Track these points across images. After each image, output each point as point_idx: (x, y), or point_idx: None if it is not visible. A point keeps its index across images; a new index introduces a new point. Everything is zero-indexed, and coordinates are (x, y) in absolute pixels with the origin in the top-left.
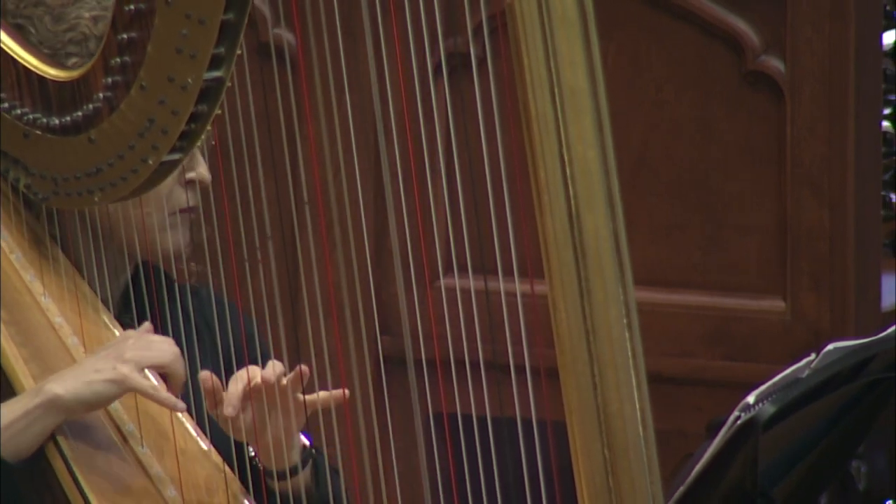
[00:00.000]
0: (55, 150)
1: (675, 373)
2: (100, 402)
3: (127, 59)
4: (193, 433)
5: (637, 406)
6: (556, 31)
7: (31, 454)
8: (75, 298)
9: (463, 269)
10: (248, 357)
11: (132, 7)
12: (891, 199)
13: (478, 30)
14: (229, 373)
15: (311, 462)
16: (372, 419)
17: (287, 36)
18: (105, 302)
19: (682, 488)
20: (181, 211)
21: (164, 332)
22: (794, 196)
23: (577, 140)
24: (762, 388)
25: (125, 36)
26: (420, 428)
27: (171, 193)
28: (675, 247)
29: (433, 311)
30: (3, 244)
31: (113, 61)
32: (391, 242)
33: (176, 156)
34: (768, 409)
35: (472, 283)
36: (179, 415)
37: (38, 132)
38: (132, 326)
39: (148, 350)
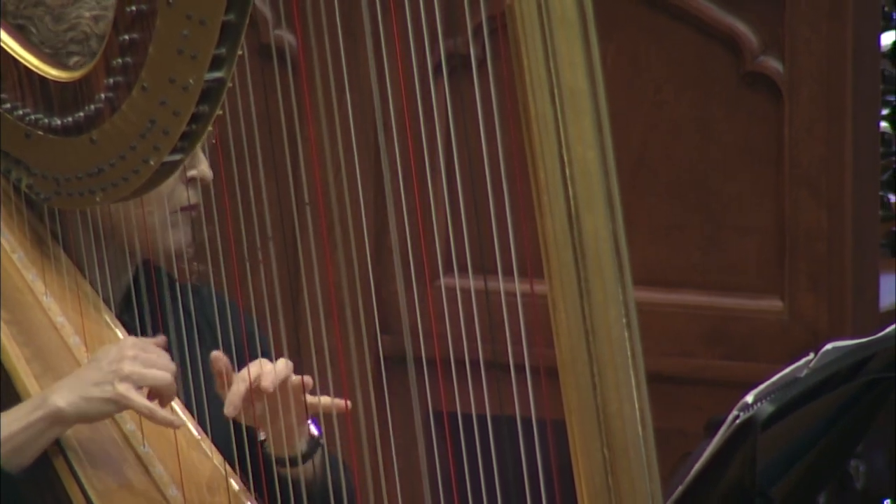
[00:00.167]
0: (57, 151)
1: (675, 372)
2: (99, 417)
3: (128, 59)
4: (195, 432)
5: (636, 406)
6: (555, 31)
7: (32, 462)
8: (77, 298)
9: (463, 269)
10: (249, 356)
11: (133, 8)
12: (889, 199)
13: (477, 31)
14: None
15: (319, 450)
16: (372, 418)
17: (288, 37)
18: (107, 301)
19: (680, 487)
20: (183, 209)
21: (165, 332)
22: (793, 196)
23: (576, 140)
24: (761, 387)
25: (127, 37)
26: (420, 426)
27: (173, 192)
28: (674, 247)
29: (433, 311)
30: (5, 244)
31: (114, 62)
32: (391, 242)
33: (177, 156)
34: (767, 408)
35: (472, 282)
36: (180, 414)
37: (40, 132)
38: (133, 326)
39: (147, 369)
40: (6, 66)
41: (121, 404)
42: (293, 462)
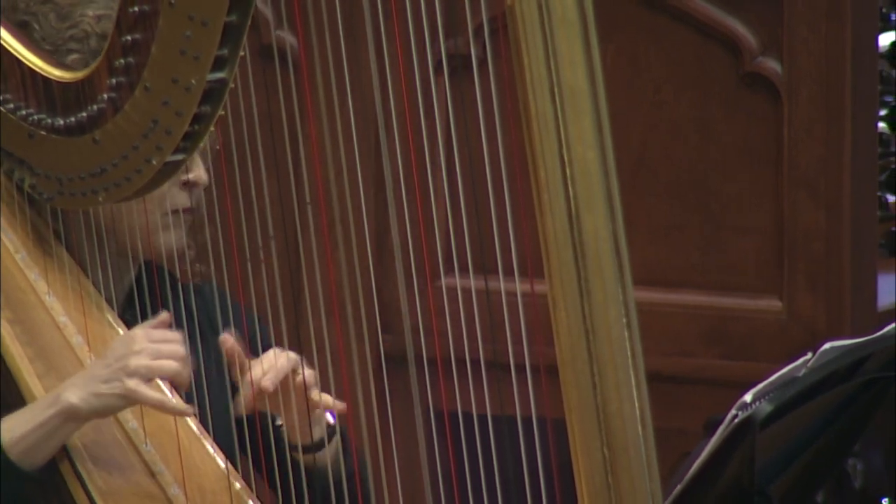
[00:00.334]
0: (60, 151)
1: (674, 372)
2: (110, 413)
3: (131, 60)
4: (196, 431)
5: (636, 405)
6: (556, 31)
7: (46, 462)
8: (79, 297)
9: (464, 269)
10: (252, 355)
11: (136, 9)
12: (887, 199)
13: (478, 31)
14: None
15: (335, 438)
16: (373, 417)
17: (289, 38)
18: (109, 301)
19: (679, 486)
20: (175, 211)
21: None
22: (791, 197)
23: (576, 140)
24: (759, 386)
25: (129, 37)
26: (421, 426)
27: (168, 194)
28: (673, 247)
29: (434, 310)
30: (8, 243)
31: (117, 63)
32: (392, 241)
33: (179, 156)
34: (765, 407)
35: (473, 282)
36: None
37: (43, 133)
38: (136, 325)
39: (154, 361)
40: (9, 66)
41: (131, 399)
42: (308, 449)
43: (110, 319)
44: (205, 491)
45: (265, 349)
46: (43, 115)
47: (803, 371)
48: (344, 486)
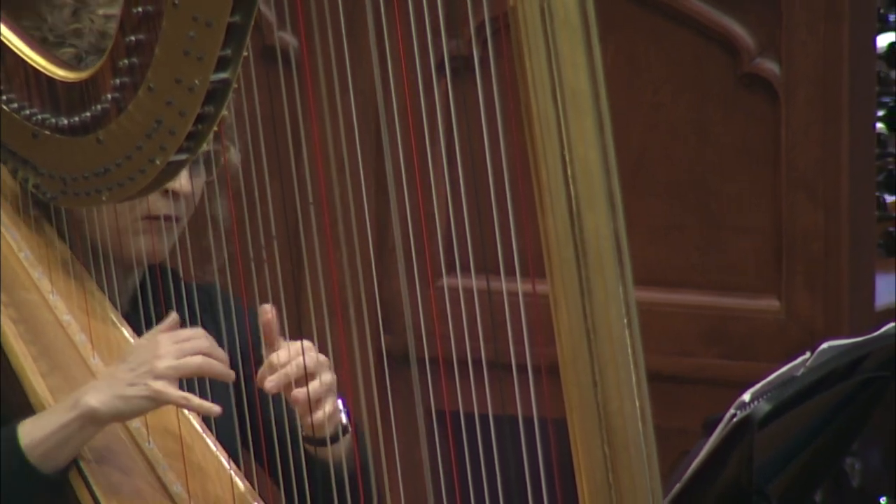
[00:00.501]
0: (63, 151)
1: (673, 371)
2: (135, 416)
3: (135, 60)
4: (199, 429)
5: (637, 404)
6: (557, 33)
7: (67, 465)
8: (83, 296)
9: (465, 269)
10: (255, 355)
11: (140, 9)
12: (884, 199)
13: (479, 32)
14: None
15: (349, 433)
16: (375, 416)
17: (290, 39)
18: (113, 300)
19: (678, 485)
20: (151, 217)
21: None
22: (790, 197)
23: (578, 141)
24: (758, 386)
25: (133, 38)
26: (422, 425)
27: (143, 199)
28: (672, 247)
29: (436, 310)
30: (12, 242)
31: (121, 63)
32: (394, 241)
33: (183, 156)
34: (764, 406)
35: (475, 282)
36: (186, 412)
37: (47, 132)
38: (139, 324)
39: (181, 360)
40: (14, 66)
41: (158, 400)
42: (321, 443)
43: (113, 318)
44: (207, 488)
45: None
46: (47, 115)
47: (802, 370)
48: (346, 483)
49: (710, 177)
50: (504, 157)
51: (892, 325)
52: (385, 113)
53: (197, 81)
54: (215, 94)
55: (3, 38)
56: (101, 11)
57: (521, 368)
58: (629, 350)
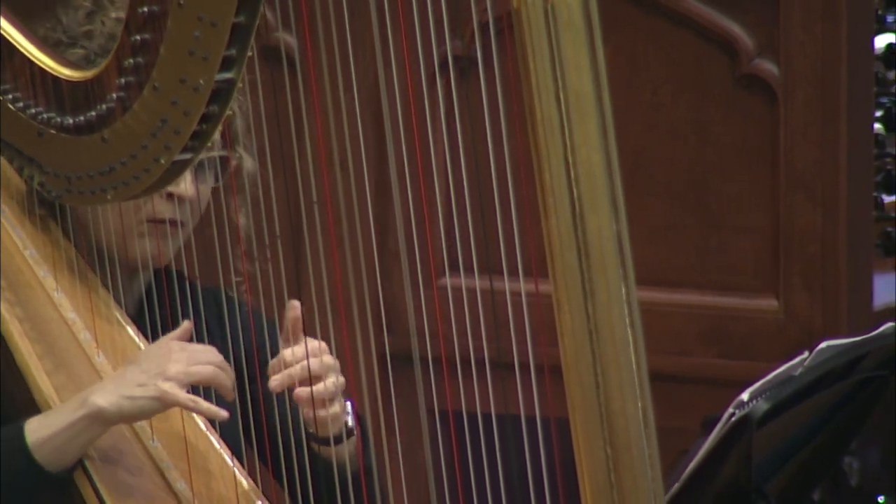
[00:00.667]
0: (69, 149)
1: (672, 371)
2: (142, 417)
3: (140, 60)
4: (203, 427)
5: (639, 404)
6: (561, 36)
7: (74, 464)
8: (87, 294)
9: (469, 269)
10: (259, 358)
11: (145, 9)
12: (882, 200)
13: (482, 32)
14: (240, 374)
15: (356, 433)
16: (378, 416)
17: (290, 40)
18: (118, 302)
19: (677, 484)
20: (150, 220)
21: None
22: (788, 198)
23: (581, 143)
24: (756, 385)
25: (138, 37)
26: (425, 425)
27: (147, 202)
28: (671, 247)
29: (439, 310)
30: (17, 241)
31: (126, 62)
32: (394, 242)
33: (187, 155)
34: (762, 406)
35: (478, 282)
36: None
37: (53, 131)
38: (144, 324)
39: (192, 367)
40: (20, 65)
41: (166, 401)
42: (325, 441)
43: (118, 317)
44: (211, 486)
45: (274, 354)
46: (52, 114)
47: (800, 370)
48: (350, 484)
49: (709, 177)
50: (508, 158)
51: (890, 324)
52: (390, 112)
53: (202, 81)
54: (220, 94)
55: (9, 38)
56: (113, 14)
57: (524, 368)
58: (631, 351)
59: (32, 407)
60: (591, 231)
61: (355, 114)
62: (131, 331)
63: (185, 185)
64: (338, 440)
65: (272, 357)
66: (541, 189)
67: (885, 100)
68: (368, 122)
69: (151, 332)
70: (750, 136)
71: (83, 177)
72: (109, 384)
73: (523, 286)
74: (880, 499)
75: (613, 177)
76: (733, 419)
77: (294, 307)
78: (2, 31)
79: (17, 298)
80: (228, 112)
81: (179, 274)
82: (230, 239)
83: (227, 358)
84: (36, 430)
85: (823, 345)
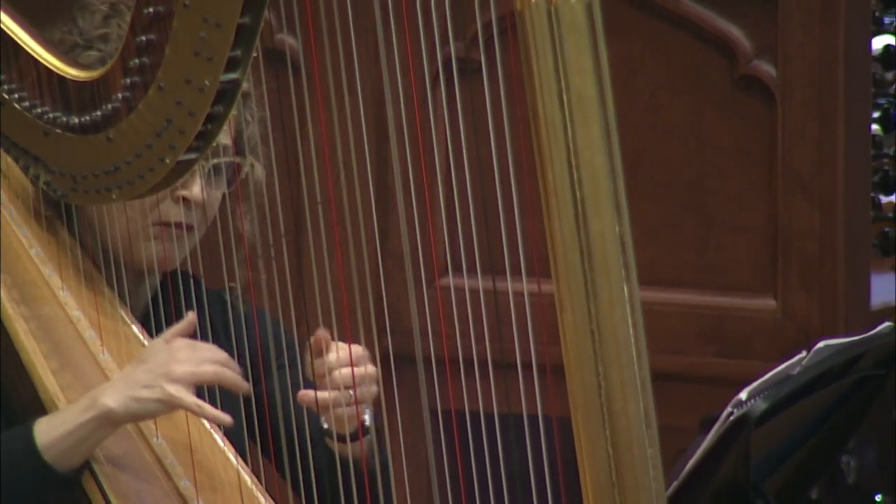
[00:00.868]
0: (74, 149)
1: (670, 370)
2: (149, 417)
3: (145, 60)
4: (207, 425)
5: (641, 404)
6: (565, 38)
7: (82, 464)
8: (92, 293)
9: (472, 269)
10: (264, 360)
11: (151, 10)
12: (879, 200)
13: (485, 32)
14: (247, 376)
15: (371, 430)
16: (381, 416)
17: (291, 41)
18: (122, 296)
19: (675, 483)
20: (157, 224)
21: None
22: (786, 198)
23: (585, 146)
24: (754, 384)
25: (144, 38)
26: (428, 425)
27: (157, 205)
28: (669, 247)
29: (443, 310)
30: (24, 240)
31: (132, 62)
32: (395, 243)
33: (192, 155)
34: (760, 405)
35: (481, 282)
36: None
37: (58, 130)
38: (149, 324)
39: (198, 368)
40: (26, 65)
41: (172, 404)
42: (342, 439)
43: (123, 315)
44: (214, 484)
45: (278, 353)
46: (58, 114)
47: (798, 369)
48: (352, 479)
49: (707, 177)
50: (511, 159)
51: (887, 324)
52: (393, 112)
53: (207, 82)
54: (225, 94)
55: (15, 37)
56: (129, 18)
57: (526, 367)
58: (633, 351)
59: (38, 405)
60: (593, 232)
61: (358, 114)
62: (136, 329)
63: (195, 189)
64: (352, 438)
65: (276, 356)
66: (544, 191)
67: (882, 101)
68: (371, 122)
69: (156, 323)
70: (748, 136)
71: (88, 176)
72: (117, 384)
73: (526, 286)
74: (877, 497)
75: (616, 179)
76: (731, 418)
77: (318, 337)
78: (8, 31)
79: (22, 297)
80: (247, 118)
81: (185, 274)
82: (234, 244)
83: (233, 357)
84: (45, 431)
85: (821, 344)
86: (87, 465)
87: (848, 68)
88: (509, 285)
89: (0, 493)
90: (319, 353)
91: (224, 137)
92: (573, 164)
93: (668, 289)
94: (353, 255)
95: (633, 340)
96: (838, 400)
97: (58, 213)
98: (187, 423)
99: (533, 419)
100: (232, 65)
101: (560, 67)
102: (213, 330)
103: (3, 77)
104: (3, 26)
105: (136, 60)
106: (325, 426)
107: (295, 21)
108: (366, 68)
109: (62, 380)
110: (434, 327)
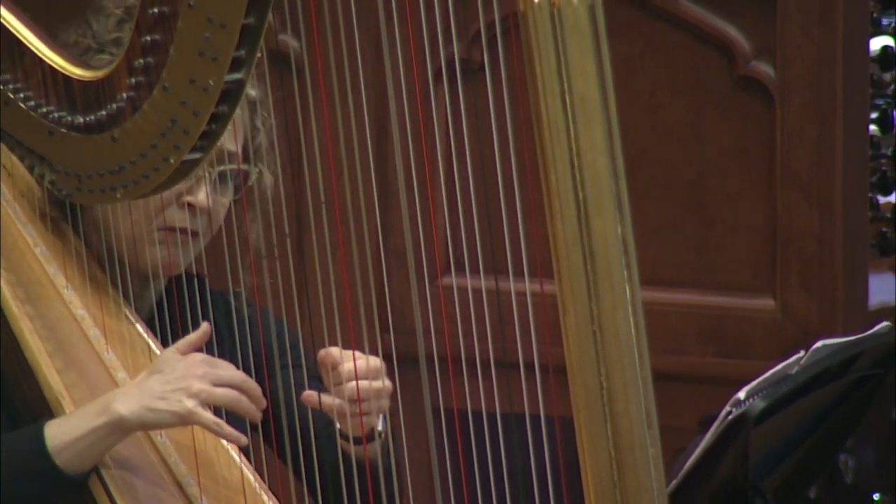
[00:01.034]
0: (79, 148)
1: (669, 370)
2: (160, 427)
3: (150, 60)
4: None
5: (643, 405)
6: (567, 40)
7: (91, 468)
8: (97, 292)
9: (474, 269)
10: (268, 362)
11: (156, 10)
12: (878, 200)
13: (487, 33)
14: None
15: (385, 432)
16: (385, 414)
17: (294, 43)
18: (126, 295)
19: (674, 482)
20: (168, 229)
21: (184, 334)
22: (785, 198)
23: (587, 148)
24: (753, 384)
25: (149, 38)
26: (431, 424)
27: (163, 210)
28: (669, 247)
29: (445, 310)
30: (28, 238)
31: (136, 63)
32: (397, 242)
33: (197, 155)
34: (759, 404)
35: (484, 282)
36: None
37: (64, 130)
38: (154, 325)
39: (216, 388)
40: (31, 65)
41: (188, 420)
42: (357, 441)
43: (127, 314)
44: (218, 482)
45: (282, 353)
46: (63, 113)
47: (796, 369)
48: (355, 483)
49: (707, 177)
50: (514, 160)
51: (885, 323)
52: (396, 112)
53: (211, 82)
54: (229, 95)
55: (21, 37)
56: None
57: (529, 367)
58: (635, 353)
59: (42, 404)
60: (596, 234)
61: (361, 114)
62: (140, 328)
63: (200, 195)
64: (367, 439)
65: (279, 356)
66: (547, 192)
67: (880, 101)
68: (373, 122)
69: (160, 326)
70: (747, 137)
71: (93, 175)
72: (132, 391)
73: (528, 286)
74: (875, 496)
75: (619, 180)
76: (730, 417)
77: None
78: (13, 30)
79: (27, 295)
80: (256, 126)
81: (189, 274)
82: (240, 250)
83: (235, 358)
84: (56, 434)
85: (819, 344)
86: (94, 468)
87: (846, 69)
88: (511, 285)
89: (9, 494)
90: (334, 366)
91: (231, 144)
92: (576, 165)
93: (668, 289)
94: (356, 253)
95: (635, 341)
96: (836, 399)
97: (63, 213)
98: (192, 426)
99: (535, 419)
100: (236, 65)
101: (563, 69)
102: (217, 330)
103: (8, 76)
104: (8, 25)
105: (141, 60)
106: (338, 426)
107: (299, 22)
108: (368, 66)
109: (67, 378)
110: (437, 326)
